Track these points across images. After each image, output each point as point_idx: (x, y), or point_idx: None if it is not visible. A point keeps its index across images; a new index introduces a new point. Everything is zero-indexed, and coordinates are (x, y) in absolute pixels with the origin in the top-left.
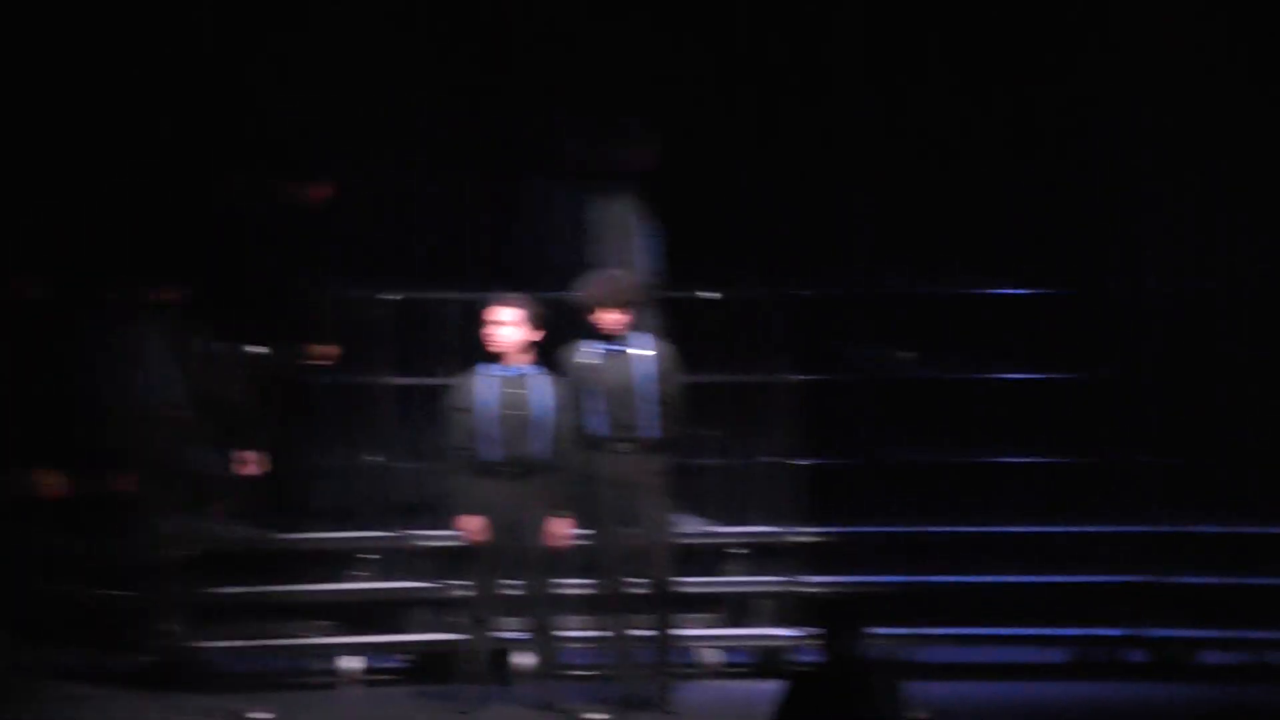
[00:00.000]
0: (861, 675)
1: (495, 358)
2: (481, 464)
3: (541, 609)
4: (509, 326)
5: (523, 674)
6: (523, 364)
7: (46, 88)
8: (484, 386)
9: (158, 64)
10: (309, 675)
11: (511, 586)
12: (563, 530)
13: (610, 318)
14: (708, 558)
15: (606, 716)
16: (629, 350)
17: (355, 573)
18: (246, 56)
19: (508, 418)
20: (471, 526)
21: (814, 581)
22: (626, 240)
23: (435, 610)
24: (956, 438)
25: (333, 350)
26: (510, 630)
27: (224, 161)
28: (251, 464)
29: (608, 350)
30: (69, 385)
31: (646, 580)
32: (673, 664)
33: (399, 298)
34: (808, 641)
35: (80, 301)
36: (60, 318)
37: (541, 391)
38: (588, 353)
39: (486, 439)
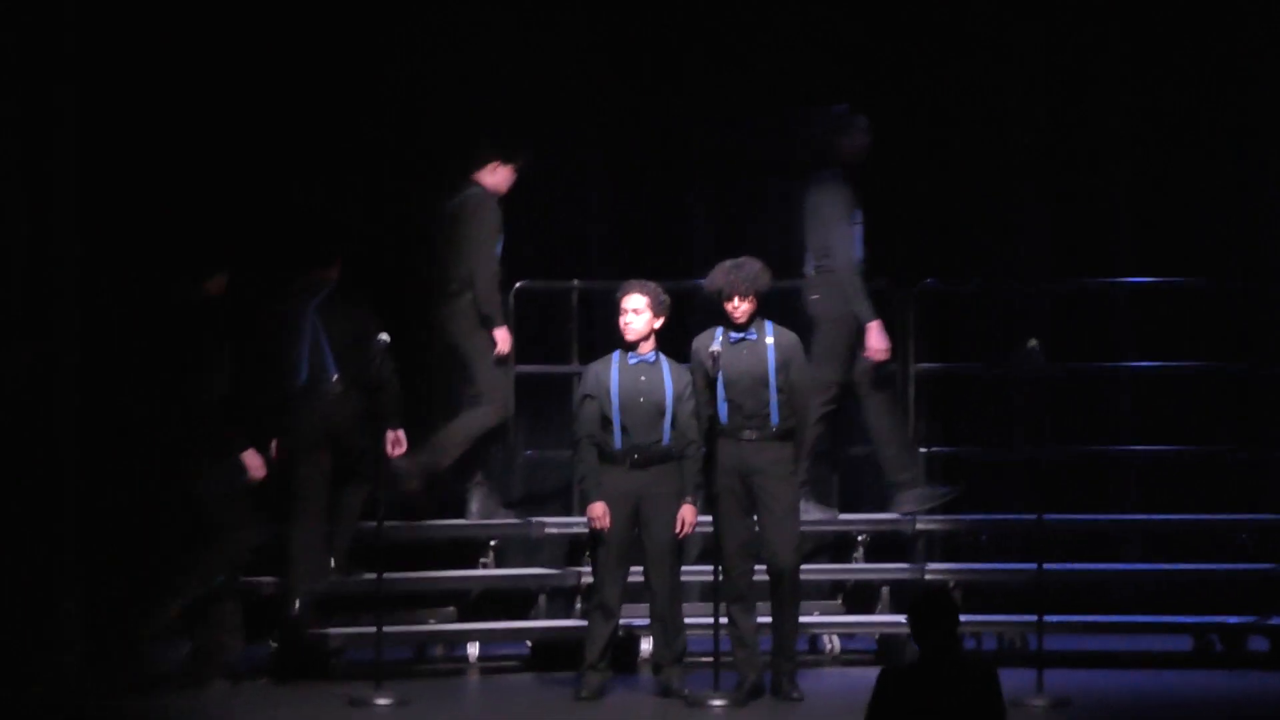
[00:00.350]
0: (955, 670)
1: (626, 345)
2: (610, 452)
3: (666, 597)
4: (639, 314)
5: (645, 662)
6: (650, 351)
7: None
8: (614, 374)
9: (329, 62)
10: (433, 663)
11: (636, 574)
12: (689, 518)
13: (738, 306)
14: (831, 546)
15: (728, 703)
16: (755, 338)
17: (481, 560)
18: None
19: (636, 405)
20: (598, 514)
21: (937, 569)
22: (839, 228)
23: (560, 598)
24: (1084, 428)
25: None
26: (634, 618)
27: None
28: (401, 445)
29: (735, 338)
30: (257, 372)
31: (770, 568)
32: (795, 652)
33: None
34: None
35: (256, 291)
36: (240, 309)
37: (669, 379)
38: (715, 340)
39: (615, 427)
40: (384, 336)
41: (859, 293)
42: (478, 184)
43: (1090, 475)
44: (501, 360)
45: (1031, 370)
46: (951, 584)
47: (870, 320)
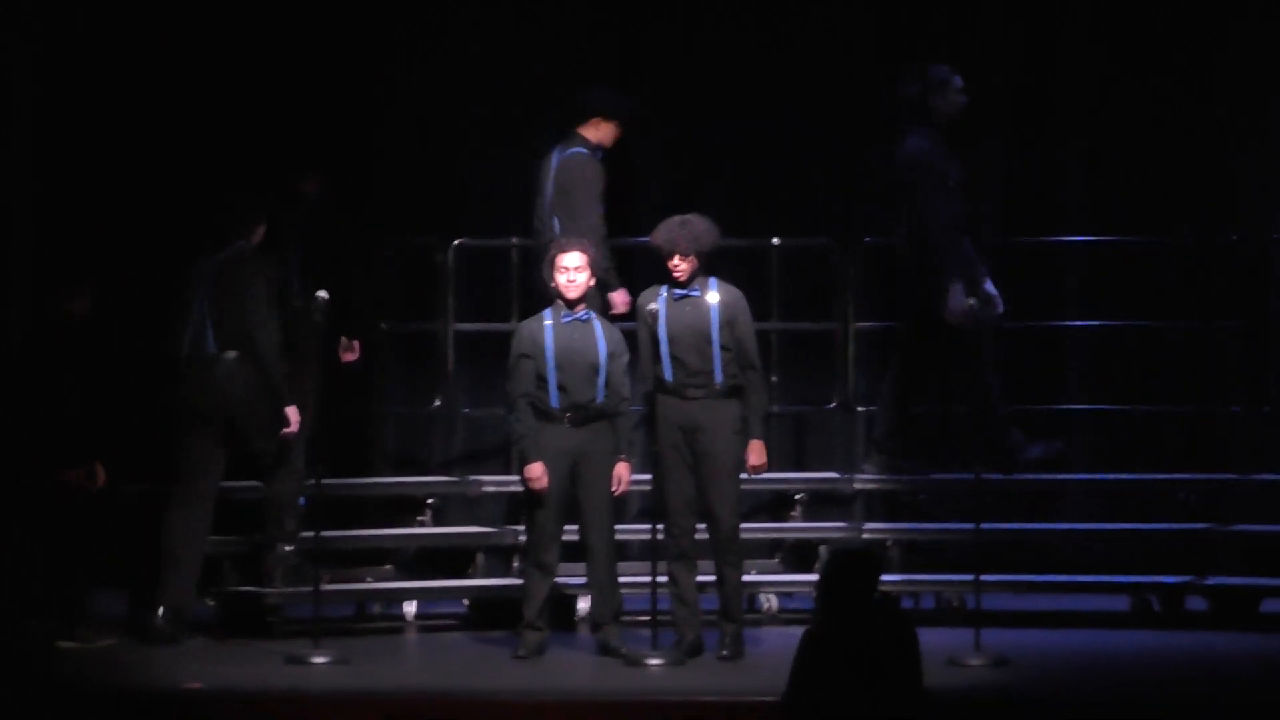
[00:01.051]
0: (872, 628)
1: (568, 303)
2: (546, 410)
3: (603, 555)
4: (580, 271)
5: (583, 621)
6: (583, 310)
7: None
8: (548, 332)
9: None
10: (371, 621)
11: (572, 533)
12: (624, 475)
13: (678, 264)
14: (769, 504)
15: (667, 662)
16: (698, 295)
17: (419, 519)
18: None
19: (571, 364)
20: (536, 474)
21: (876, 528)
22: (926, 190)
23: (498, 556)
24: (1026, 386)
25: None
26: (572, 576)
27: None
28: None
29: (678, 295)
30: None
31: (710, 526)
32: (740, 611)
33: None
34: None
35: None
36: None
37: (601, 337)
38: (659, 298)
39: (551, 385)
40: (322, 294)
41: (947, 254)
42: (582, 138)
43: (1031, 434)
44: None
45: (971, 328)
46: (889, 542)
47: (951, 284)
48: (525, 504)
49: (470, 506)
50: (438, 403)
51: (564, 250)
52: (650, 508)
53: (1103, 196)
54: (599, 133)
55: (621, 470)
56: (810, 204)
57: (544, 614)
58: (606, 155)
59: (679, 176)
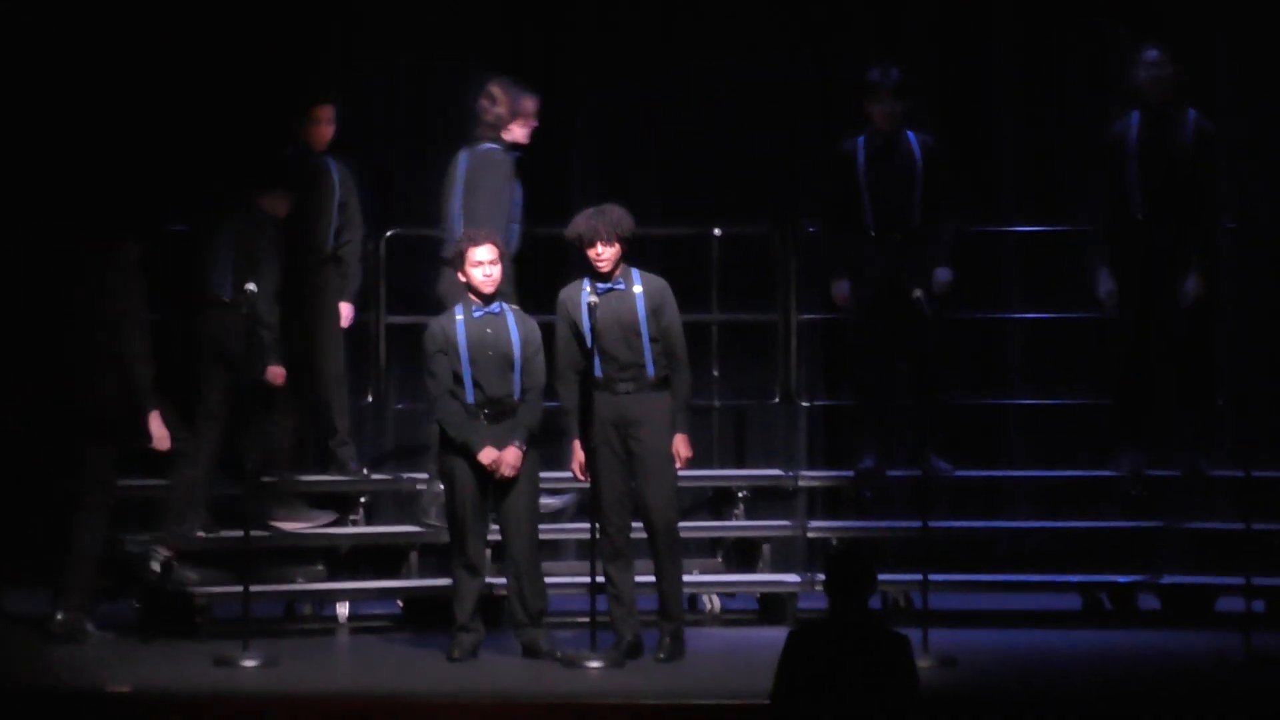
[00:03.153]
0: (866, 634)
1: (470, 298)
2: (465, 405)
3: (523, 554)
4: (495, 264)
5: (515, 622)
6: (496, 303)
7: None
8: (460, 328)
9: None
10: (302, 621)
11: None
12: (508, 459)
13: (601, 253)
14: (710, 501)
15: (605, 664)
16: (623, 287)
17: (351, 516)
18: None
19: (486, 358)
20: (492, 459)
21: (820, 526)
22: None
23: (432, 555)
24: (971, 379)
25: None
26: (500, 576)
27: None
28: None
29: (603, 289)
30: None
31: (646, 524)
32: (679, 610)
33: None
34: (814, 589)
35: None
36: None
37: (515, 330)
38: (585, 291)
39: (466, 381)
40: (250, 286)
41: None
42: (494, 135)
43: (977, 428)
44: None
45: (916, 320)
46: (833, 540)
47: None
48: (446, 504)
49: (403, 504)
50: (370, 398)
51: (475, 243)
52: (586, 505)
53: (1035, 186)
54: (510, 131)
55: (508, 454)
56: (750, 190)
57: (476, 615)
58: (533, 149)
59: (612, 166)
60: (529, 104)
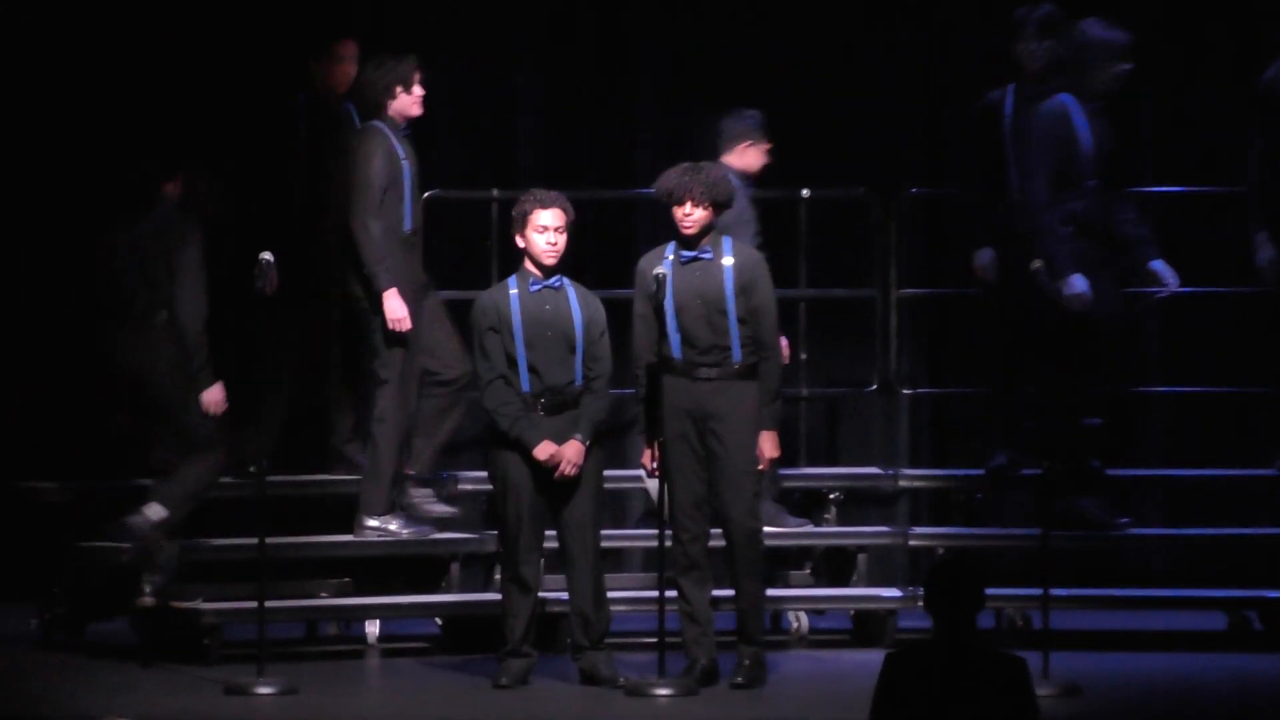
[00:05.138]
0: (975, 656)
1: (527, 269)
2: (519, 394)
3: (586, 567)
4: (561, 232)
5: (574, 644)
6: (557, 277)
7: None
8: (514, 303)
9: None
10: (325, 643)
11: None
12: (569, 456)
13: (689, 213)
14: (798, 505)
15: (675, 692)
16: (710, 257)
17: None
18: None
19: (544, 340)
20: (549, 454)
21: (924, 534)
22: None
23: (476, 567)
24: (1105, 367)
25: None
26: (560, 591)
27: None
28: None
29: (686, 258)
30: None
31: (726, 531)
32: (760, 631)
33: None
34: (916, 605)
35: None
36: None
37: (576, 307)
38: (663, 261)
39: (521, 366)
40: (266, 255)
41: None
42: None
43: (1106, 421)
44: None
45: (1037, 296)
46: (939, 550)
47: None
48: (497, 509)
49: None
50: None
51: (543, 206)
52: (654, 510)
53: (1179, 143)
54: (395, 104)
55: (568, 450)
56: (844, 152)
57: (529, 636)
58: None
59: (680, 121)
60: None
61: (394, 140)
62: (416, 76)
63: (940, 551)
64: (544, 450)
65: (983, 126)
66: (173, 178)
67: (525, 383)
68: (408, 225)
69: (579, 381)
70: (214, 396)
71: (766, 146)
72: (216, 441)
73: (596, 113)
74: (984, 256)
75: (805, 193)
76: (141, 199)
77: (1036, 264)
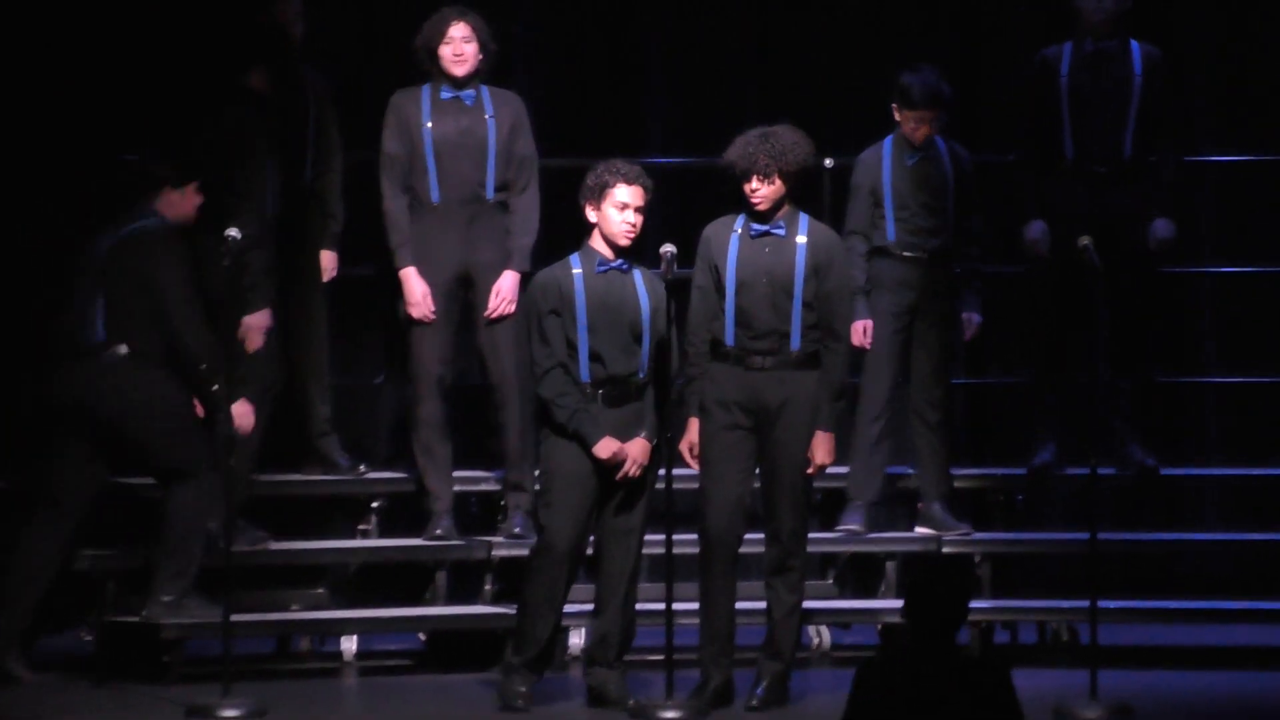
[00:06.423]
0: (953, 665)
1: (592, 249)
2: (576, 386)
3: (622, 577)
4: (640, 213)
5: (575, 659)
6: (623, 259)
7: None
8: (578, 285)
9: None
10: (298, 660)
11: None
12: (634, 455)
13: (757, 188)
14: (819, 508)
15: (684, 714)
16: (783, 234)
17: (361, 527)
18: None
19: (608, 326)
20: (611, 453)
21: (958, 540)
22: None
23: (465, 576)
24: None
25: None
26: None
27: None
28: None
29: (756, 231)
30: None
31: (768, 535)
32: (784, 648)
33: None
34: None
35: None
36: None
37: (643, 292)
38: (730, 233)
39: (582, 353)
40: (232, 232)
41: None
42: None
43: (1161, 415)
44: None
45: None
46: (977, 557)
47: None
48: (542, 499)
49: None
50: (381, 378)
51: (626, 181)
52: (666, 511)
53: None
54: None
55: (633, 448)
56: (871, 117)
57: (538, 650)
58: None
59: (765, 81)
60: None
61: (413, 107)
62: (449, 30)
63: (977, 560)
64: (606, 448)
65: (1037, 86)
66: (179, 186)
67: (585, 371)
68: (435, 196)
69: (643, 373)
70: (241, 411)
71: (910, 114)
72: (195, 467)
73: (603, 81)
74: (1035, 230)
75: (829, 162)
76: (122, 208)
77: (1084, 240)
